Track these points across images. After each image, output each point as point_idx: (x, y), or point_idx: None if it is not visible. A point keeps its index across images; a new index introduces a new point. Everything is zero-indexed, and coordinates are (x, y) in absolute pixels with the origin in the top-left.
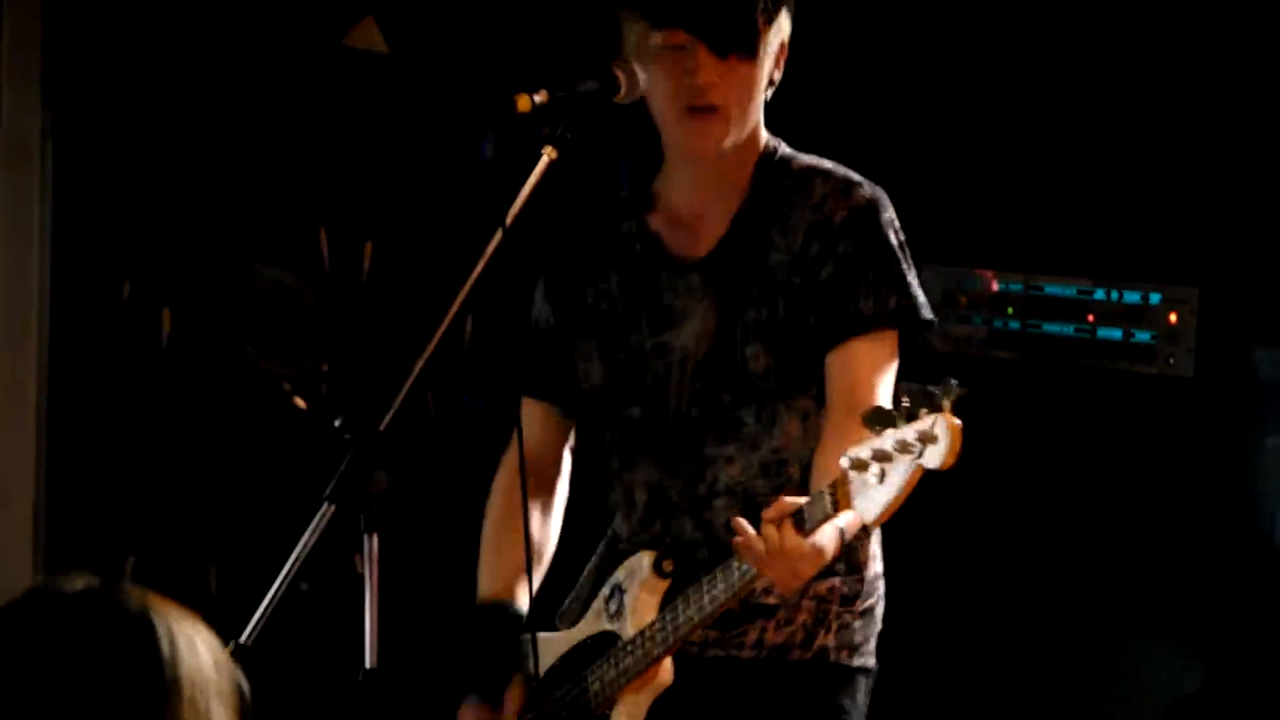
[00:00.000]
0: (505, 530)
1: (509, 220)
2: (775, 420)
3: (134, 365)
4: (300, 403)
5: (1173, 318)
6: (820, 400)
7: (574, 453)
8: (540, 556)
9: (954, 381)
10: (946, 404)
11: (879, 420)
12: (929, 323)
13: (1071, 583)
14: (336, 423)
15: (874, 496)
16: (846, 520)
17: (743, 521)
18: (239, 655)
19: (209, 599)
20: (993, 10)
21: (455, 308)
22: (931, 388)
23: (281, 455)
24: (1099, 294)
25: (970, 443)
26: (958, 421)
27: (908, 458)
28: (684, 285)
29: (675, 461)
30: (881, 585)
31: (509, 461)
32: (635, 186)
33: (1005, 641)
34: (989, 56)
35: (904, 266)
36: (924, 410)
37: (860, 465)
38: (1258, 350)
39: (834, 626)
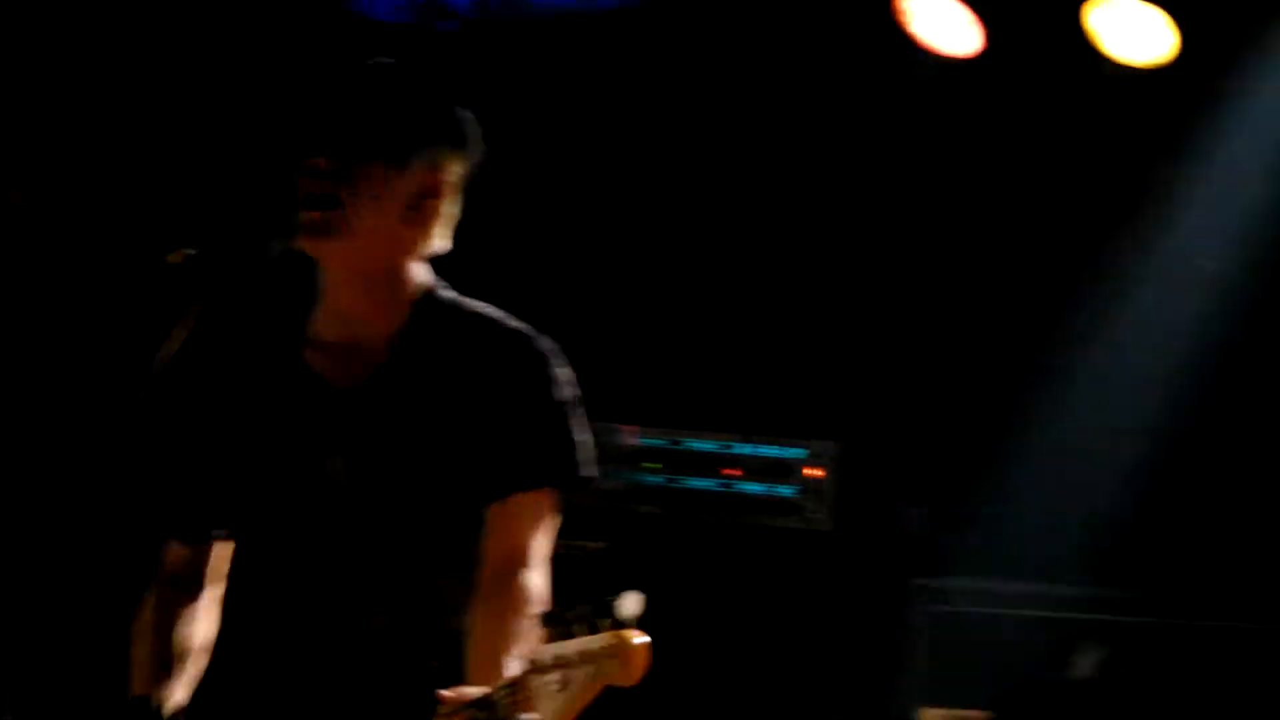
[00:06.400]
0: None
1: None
2: (423, 561)
3: None
4: None
5: (813, 472)
6: (467, 554)
7: None
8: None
9: (637, 595)
10: (632, 620)
11: (558, 623)
12: (589, 480)
13: None
14: None
15: (555, 703)
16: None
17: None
18: None
19: None
20: (623, 164)
21: None
22: (610, 598)
23: None
24: (740, 448)
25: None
26: (646, 639)
27: (591, 669)
28: (336, 413)
29: (325, 598)
30: None
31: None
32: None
33: None
34: (631, 216)
35: (573, 422)
36: (608, 622)
37: (541, 669)
38: (899, 504)
39: None
